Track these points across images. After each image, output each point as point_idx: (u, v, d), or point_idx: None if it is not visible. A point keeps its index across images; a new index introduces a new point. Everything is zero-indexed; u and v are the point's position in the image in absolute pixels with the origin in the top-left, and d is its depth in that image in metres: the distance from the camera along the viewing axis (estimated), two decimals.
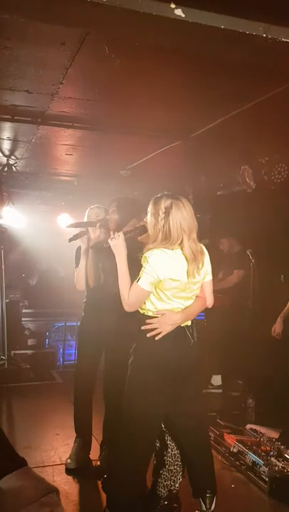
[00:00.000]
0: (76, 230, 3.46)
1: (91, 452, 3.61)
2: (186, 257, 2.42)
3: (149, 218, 2.47)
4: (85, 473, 3.42)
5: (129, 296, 2.45)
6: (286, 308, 4.24)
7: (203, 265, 2.50)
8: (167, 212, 2.39)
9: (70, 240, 3.40)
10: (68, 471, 3.41)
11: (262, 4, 1.89)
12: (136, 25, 1.96)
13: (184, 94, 3.26)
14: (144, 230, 2.59)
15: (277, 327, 4.25)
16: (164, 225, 2.38)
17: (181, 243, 2.41)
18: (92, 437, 3.72)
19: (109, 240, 2.62)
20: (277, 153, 4.34)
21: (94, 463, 3.51)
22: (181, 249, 2.42)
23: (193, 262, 2.43)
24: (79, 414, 3.60)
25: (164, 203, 2.41)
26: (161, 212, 2.40)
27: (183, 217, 2.40)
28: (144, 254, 2.41)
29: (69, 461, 3.49)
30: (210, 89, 3.09)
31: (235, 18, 1.86)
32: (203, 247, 2.54)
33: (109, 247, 2.63)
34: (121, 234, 2.59)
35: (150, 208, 2.47)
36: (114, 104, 3.56)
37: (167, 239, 2.39)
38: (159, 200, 2.44)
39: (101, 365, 3.53)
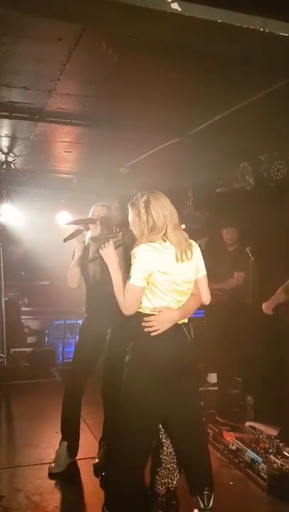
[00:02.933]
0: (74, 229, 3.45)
1: (90, 450, 3.61)
2: (172, 243, 2.46)
3: (132, 221, 2.54)
4: (71, 472, 3.39)
5: (125, 299, 2.47)
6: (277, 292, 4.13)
7: (191, 254, 2.52)
8: (147, 204, 2.47)
9: (65, 239, 3.39)
10: (52, 476, 3.33)
11: None
12: (132, 19, 1.95)
13: (182, 90, 3.24)
14: (133, 236, 2.60)
15: (266, 305, 4.13)
16: (147, 218, 2.46)
17: (166, 231, 2.47)
18: (91, 435, 3.71)
19: (100, 250, 2.66)
20: (276, 150, 4.33)
21: (92, 460, 3.51)
22: (167, 236, 2.46)
23: (179, 246, 2.47)
24: (65, 417, 3.49)
25: (142, 199, 2.50)
26: (141, 208, 2.48)
27: (162, 205, 2.49)
28: (132, 251, 2.46)
29: (53, 465, 3.41)
30: (208, 85, 3.08)
31: (232, 12, 1.85)
32: (192, 241, 2.58)
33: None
34: (111, 243, 2.65)
35: (130, 212, 2.54)
36: (112, 101, 3.54)
37: (153, 229, 2.45)
38: (135, 200, 2.53)
39: (98, 364, 3.49)
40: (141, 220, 2.47)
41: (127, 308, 2.48)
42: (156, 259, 2.42)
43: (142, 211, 2.47)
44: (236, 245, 5.25)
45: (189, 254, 2.51)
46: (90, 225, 3.37)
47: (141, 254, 2.42)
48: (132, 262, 2.43)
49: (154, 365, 2.44)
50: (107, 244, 2.64)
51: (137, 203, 2.51)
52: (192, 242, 2.58)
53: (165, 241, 2.47)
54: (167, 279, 2.44)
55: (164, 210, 2.47)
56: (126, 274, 2.50)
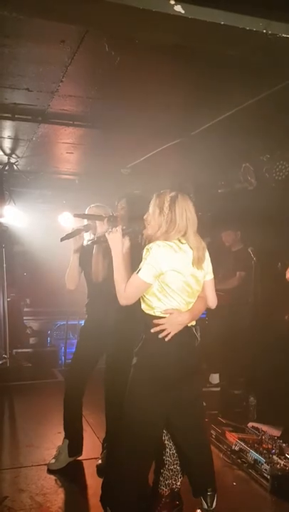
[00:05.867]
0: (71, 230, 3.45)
1: (93, 450, 3.61)
2: (190, 247, 2.43)
3: (151, 210, 2.47)
4: (74, 472, 3.41)
5: (126, 289, 2.42)
6: None
7: (204, 259, 2.50)
8: (173, 201, 2.42)
9: (62, 239, 3.36)
10: (55, 476, 3.35)
11: (262, 0, 1.89)
12: (135, 21, 1.95)
13: (185, 91, 3.26)
14: (140, 231, 2.59)
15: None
16: (168, 214, 2.40)
17: (185, 234, 2.43)
18: (94, 435, 3.71)
19: (106, 234, 2.63)
20: (278, 150, 4.33)
21: (95, 461, 3.51)
22: (187, 239, 2.43)
23: (197, 252, 2.44)
24: (66, 416, 3.52)
25: (170, 194, 2.44)
26: (166, 202, 2.42)
27: (188, 207, 2.44)
28: (147, 246, 2.40)
29: (53, 461, 3.45)
30: (210, 86, 3.09)
31: (235, 14, 1.86)
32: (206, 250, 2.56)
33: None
34: (119, 228, 2.61)
35: (154, 201, 2.48)
36: (114, 102, 3.55)
37: (171, 227, 2.40)
38: (163, 193, 2.47)
39: (100, 365, 3.50)
40: (162, 213, 2.41)
41: (125, 299, 2.44)
42: (171, 259, 2.37)
43: (166, 205, 2.41)
44: (239, 246, 5.27)
45: (203, 263, 2.49)
46: (97, 223, 3.33)
47: (156, 250, 2.36)
48: (144, 256, 2.37)
49: (163, 369, 2.41)
50: (114, 229, 2.59)
51: (163, 196, 2.45)
52: (206, 251, 2.55)
53: (182, 242, 2.43)
54: (181, 278, 2.40)
55: (188, 212, 2.43)
56: (129, 266, 2.47)
